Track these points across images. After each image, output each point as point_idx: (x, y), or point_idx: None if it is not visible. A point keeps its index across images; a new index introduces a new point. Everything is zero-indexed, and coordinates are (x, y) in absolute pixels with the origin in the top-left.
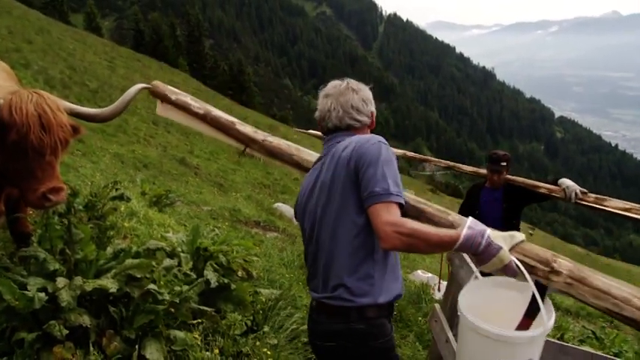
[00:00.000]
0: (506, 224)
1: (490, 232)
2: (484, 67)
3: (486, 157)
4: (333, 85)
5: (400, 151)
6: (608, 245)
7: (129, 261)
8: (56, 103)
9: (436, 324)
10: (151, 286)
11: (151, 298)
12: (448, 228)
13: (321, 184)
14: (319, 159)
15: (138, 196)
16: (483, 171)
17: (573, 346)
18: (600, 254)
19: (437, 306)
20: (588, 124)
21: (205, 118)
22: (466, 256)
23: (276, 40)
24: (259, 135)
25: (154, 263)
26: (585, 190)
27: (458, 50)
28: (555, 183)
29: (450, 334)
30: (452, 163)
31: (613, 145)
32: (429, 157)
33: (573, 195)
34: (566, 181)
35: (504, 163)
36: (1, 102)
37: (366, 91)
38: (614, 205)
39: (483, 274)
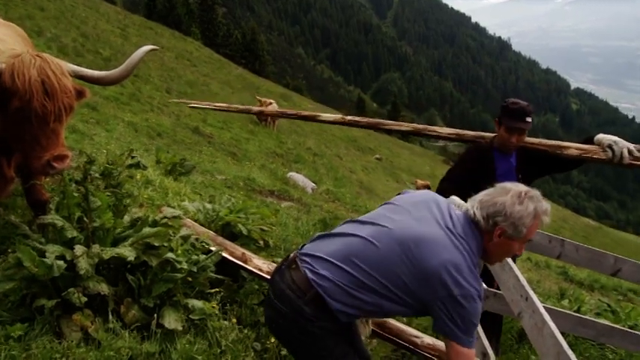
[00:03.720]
0: None
1: None
2: (500, 38)
3: (501, 105)
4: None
5: (338, 116)
6: (621, 219)
7: (146, 229)
8: (60, 66)
9: None
10: (169, 254)
11: (168, 266)
12: None
13: (413, 227)
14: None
15: (153, 164)
16: (488, 134)
17: (592, 319)
18: (613, 227)
19: None
20: (605, 96)
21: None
22: None
23: (289, 9)
24: None
25: (171, 232)
26: None
27: (473, 20)
28: (590, 142)
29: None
30: (421, 126)
31: (630, 117)
32: (382, 120)
33: (625, 153)
34: (609, 137)
35: (530, 119)
36: (3, 67)
37: (523, 212)
38: None
39: None
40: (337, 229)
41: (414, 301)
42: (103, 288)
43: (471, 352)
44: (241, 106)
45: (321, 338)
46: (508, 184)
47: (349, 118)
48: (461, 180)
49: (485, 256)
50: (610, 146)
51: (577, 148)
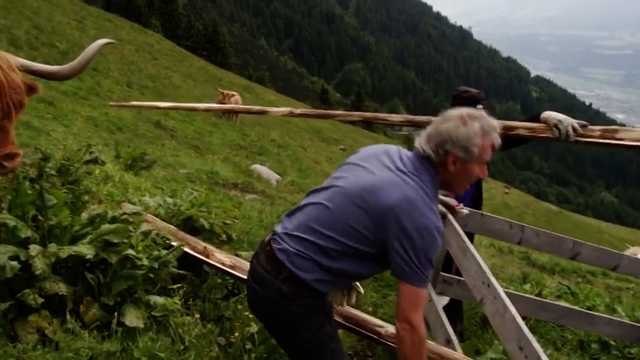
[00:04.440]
0: (476, 183)
1: None
2: (461, 27)
3: (452, 94)
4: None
5: (287, 109)
6: (580, 203)
7: (105, 226)
8: (8, 60)
9: None
10: (129, 251)
11: (129, 263)
12: None
13: (364, 177)
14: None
15: (112, 159)
16: None
17: (552, 302)
18: (573, 212)
19: None
20: (563, 84)
21: None
22: (449, 215)
23: (250, 0)
24: None
25: (131, 228)
26: (585, 123)
27: (435, 9)
28: (536, 119)
29: (434, 294)
30: (369, 115)
31: (587, 104)
32: (331, 112)
33: (570, 130)
34: (555, 115)
35: (481, 106)
36: None
37: (469, 132)
38: (633, 135)
39: None
40: (300, 203)
41: (377, 251)
42: (61, 288)
43: (422, 292)
44: (186, 105)
45: (303, 317)
46: (449, 111)
47: (298, 111)
48: None
49: (449, 187)
50: (556, 125)
51: (525, 128)
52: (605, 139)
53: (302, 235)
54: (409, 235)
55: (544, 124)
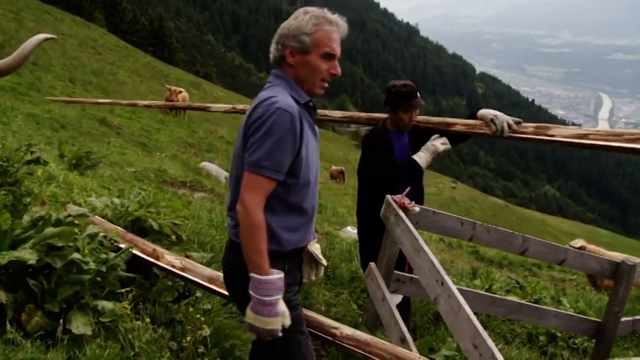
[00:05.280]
0: (413, 174)
1: (282, 301)
2: (408, 23)
3: (390, 92)
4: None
5: (229, 106)
6: (525, 196)
7: (49, 229)
8: None
9: (372, 282)
10: (75, 255)
11: (75, 268)
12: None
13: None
14: None
15: (56, 158)
16: (379, 115)
17: (502, 297)
18: (518, 205)
19: (373, 264)
20: (507, 80)
21: None
22: (401, 213)
23: None
24: None
25: (76, 230)
26: (520, 120)
27: (382, 6)
28: (474, 117)
29: (387, 292)
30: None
31: (530, 100)
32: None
33: (505, 126)
34: (490, 111)
35: (419, 94)
36: None
37: (299, 22)
38: (563, 132)
39: None
40: None
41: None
42: (0, 296)
43: (260, 178)
44: (125, 101)
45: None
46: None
47: (241, 106)
48: (368, 167)
49: (303, 85)
50: (492, 120)
51: (463, 124)
52: (538, 135)
53: (232, 206)
54: (254, 124)
55: (481, 121)
